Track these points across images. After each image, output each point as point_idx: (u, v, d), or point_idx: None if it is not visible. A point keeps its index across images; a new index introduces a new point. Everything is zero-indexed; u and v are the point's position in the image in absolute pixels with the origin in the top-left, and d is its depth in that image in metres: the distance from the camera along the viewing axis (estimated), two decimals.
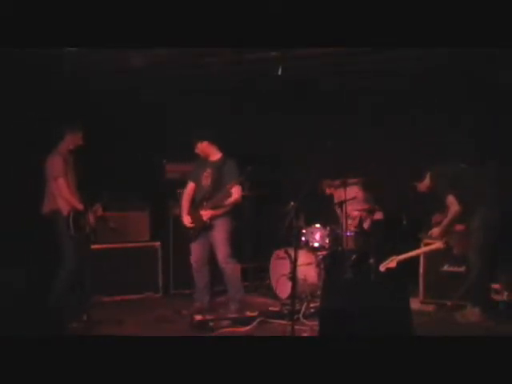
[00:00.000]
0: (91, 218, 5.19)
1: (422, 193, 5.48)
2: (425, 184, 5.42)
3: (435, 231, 5.34)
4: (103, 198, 5.29)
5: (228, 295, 5.60)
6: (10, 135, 5.43)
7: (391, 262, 5.27)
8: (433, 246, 5.43)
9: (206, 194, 5.48)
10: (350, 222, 5.97)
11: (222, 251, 5.42)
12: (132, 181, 6.49)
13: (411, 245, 5.66)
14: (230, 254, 5.44)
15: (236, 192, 5.38)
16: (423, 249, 5.59)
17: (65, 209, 5.10)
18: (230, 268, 5.45)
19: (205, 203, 5.44)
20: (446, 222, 5.24)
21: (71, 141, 5.25)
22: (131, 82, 6.58)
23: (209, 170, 5.53)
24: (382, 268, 5.28)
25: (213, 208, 5.41)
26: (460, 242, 5.24)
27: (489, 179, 5.30)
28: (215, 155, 5.56)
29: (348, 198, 5.90)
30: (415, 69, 6.11)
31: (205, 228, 5.44)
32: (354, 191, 6.16)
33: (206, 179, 5.52)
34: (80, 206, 5.13)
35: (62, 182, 5.10)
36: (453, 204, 5.11)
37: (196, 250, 5.56)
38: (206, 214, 5.42)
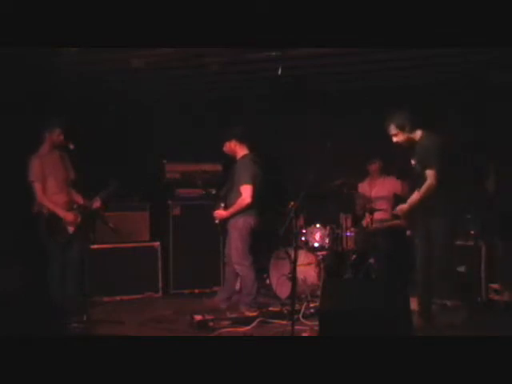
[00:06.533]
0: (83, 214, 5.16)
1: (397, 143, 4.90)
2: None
3: (404, 207, 4.86)
4: (110, 186, 5.23)
5: (240, 296, 5.59)
6: (9, 134, 5.42)
7: None
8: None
9: (223, 193, 5.56)
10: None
11: (233, 251, 5.43)
12: (132, 181, 6.50)
13: None
14: (242, 254, 5.38)
15: (244, 192, 5.32)
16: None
17: (44, 211, 5.07)
18: (241, 270, 5.43)
19: (221, 203, 5.50)
20: (419, 195, 4.70)
21: (50, 140, 5.16)
22: (131, 82, 6.59)
23: (233, 169, 5.57)
24: None
25: (225, 208, 5.44)
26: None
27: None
28: (240, 154, 5.53)
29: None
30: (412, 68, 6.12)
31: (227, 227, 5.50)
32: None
33: (230, 178, 5.57)
34: (58, 210, 5.06)
35: (37, 186, 5.05)
36: (433, 177, 4.61)
37: (226, 246, 5.64)
38: (217, 213, 5.50)
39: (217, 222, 5.56)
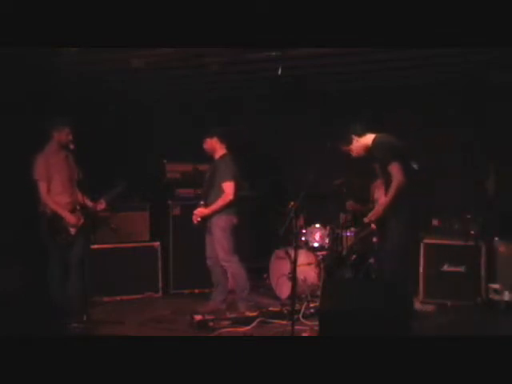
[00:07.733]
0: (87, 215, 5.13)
1: (357, 156, 4.80)
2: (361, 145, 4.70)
3: (376, 212, 4.59)
4: (117, 188, 5.23)
5: (235, 294, 5.58)
6: (8, 135, 5.42)
7: None
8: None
9: (202, 192, 5.52)
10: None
11: (220, 249, 5.41)
12: (132, 181, 6.49)
13: None
14: (229, 252, 5.39)
15: (227, 189, 5.33)
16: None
17: (47, 211, 5.06)
18: (231, 266, 5.43)
19: (201, 202, 5.48)
20: (389, 196, 4.43)
21: (58, 139, 5.11)
22: (131, 82, 6.59)
23: (210, 168, 5.56)
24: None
25: (206, 206, 5.43)
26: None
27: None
28: (219, 153, 5.54)
29: None
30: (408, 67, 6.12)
31: (207, 226, 5.45)
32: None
33: (207, 177, 5.55)
34: (61, 211, 5.04)
35: (41, 185, 5.02)
36: (398, 173, 4.37)
37: (207, 247, 5.58)
38: (197, 212, 5.47)
39: (198, 219, 5.47)
